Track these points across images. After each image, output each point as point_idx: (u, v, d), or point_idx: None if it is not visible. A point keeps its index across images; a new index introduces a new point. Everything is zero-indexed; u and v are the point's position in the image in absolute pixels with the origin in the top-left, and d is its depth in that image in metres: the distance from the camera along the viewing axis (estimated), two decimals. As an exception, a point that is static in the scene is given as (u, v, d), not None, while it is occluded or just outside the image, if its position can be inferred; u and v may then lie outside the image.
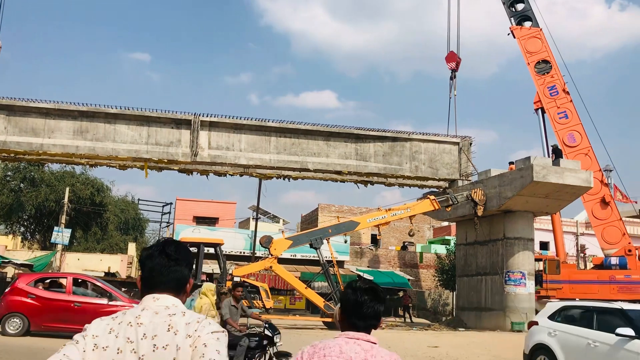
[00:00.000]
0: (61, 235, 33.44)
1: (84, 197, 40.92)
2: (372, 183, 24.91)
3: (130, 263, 41.44)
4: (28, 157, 23.13)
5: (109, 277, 26.83)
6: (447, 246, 36.45)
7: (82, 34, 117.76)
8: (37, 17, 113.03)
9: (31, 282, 14.02)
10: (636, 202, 33.73)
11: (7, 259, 31.42)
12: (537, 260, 24.67)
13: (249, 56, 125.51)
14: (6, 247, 39.07)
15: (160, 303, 2.09)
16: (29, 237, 45.98)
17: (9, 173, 41.32)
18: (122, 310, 2.12)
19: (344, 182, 24.68)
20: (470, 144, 25.55)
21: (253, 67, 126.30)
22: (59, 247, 33.65)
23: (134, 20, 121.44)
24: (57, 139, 21.92)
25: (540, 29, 27.50)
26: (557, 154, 23.96)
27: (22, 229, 45.87)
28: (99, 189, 43.40)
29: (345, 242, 34.47)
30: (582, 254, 37.12)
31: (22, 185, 41.71)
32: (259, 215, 35.70)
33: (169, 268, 2.15)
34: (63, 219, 34.63)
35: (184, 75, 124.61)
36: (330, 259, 21.34)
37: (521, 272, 22.36)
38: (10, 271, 31.43)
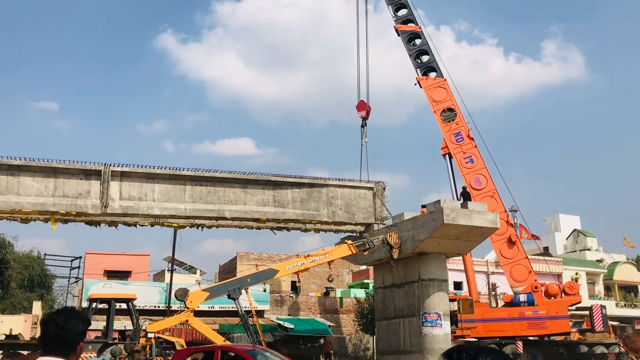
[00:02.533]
0: (-44, 296, 30.86)
1: (-17, 255, 38.19)
2: (289, 229, 24.95)
3: (35, 323, 38.72)
4: None
5: (11, 339, 24.89)
6: (367, 290, 36.82)
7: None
8: None
9: None
10: (539, 239, 35.70)
11: None
12: (451, 300, 25.38)
13: (164, 104, 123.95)
14: None
15: None
16: None
17: None
18: None
19: (260, 229, 24.56)
20: (384, 188, 26.24)
21: (168, 115, 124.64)
22: (-47, 310, 30.99)
23: (40, 68, 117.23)
24: (-47, 193, 20.51)
25: (445, 79, 29.12)
26: (465, 196, 25.10)
27: None
28: (0, 245, 40.71)
29: (265, 290, 34.04)
30: (493, 293, 38.58)
31: None
32: (175, 267, 34.64)
33: (59, 335, 2.65)
34: (-42, 279, 32.06)
35: (95, 124, 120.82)
36: (249, 309, 20.95)
37: (437, 313, 22.86)
38: None
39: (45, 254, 49.71)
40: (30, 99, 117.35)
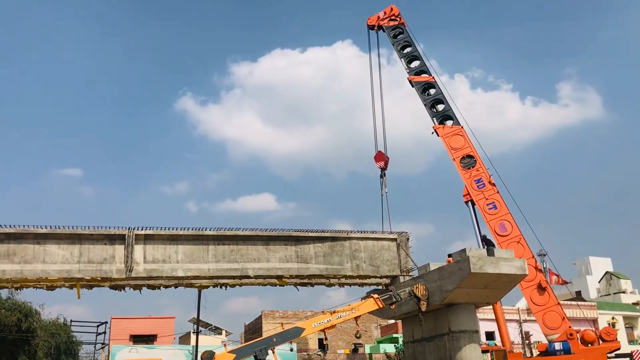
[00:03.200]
0: (-17, 368, 30.75)
1: (10, 324, 38.24)
2: (312, 285, 24.66)
3: (62, 393, 38.33)
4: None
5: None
6: (396, 344, 35.95)
7: (9, 153, 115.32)
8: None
9: None
10: (570, 283, 34.78)
11: None
12: (484, 351, 24.59)
13: (186, 165, 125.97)
14: None
15: None
16: (-53, 373, 42.00)
17: None
18: None
19: (283, 285, 24.32)
20: (408, 239, 25.94)
21: (190, 176, 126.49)
22: (-19, 382, 30.84)
23: (64, 135, 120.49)
24: (-19, 264, 20.74)
25: (462, 127, 29.21)
26: (487, 243, 24.70)
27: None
28: (27, 314, 40.77)
29: (292, 350, 33.44)
30: (527, 341, 37.38)
31: (-60, 316, 38.68)
32: (200, 328, 34.29)
33: None
34: (-14, 350, 32.04)
35: (119, 189, 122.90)
36: (276, 369, 20.48)
37: (470, 366, 22.12)
38: None
39: (71, 321, 49.74)
40: (55, 166, 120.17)
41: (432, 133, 29.81)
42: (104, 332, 42.40)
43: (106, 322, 41.45)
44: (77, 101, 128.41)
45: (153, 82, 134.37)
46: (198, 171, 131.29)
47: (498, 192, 27.37)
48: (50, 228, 21.72)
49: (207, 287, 23.64)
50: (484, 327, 35.05)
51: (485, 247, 24.39)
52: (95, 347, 44.82)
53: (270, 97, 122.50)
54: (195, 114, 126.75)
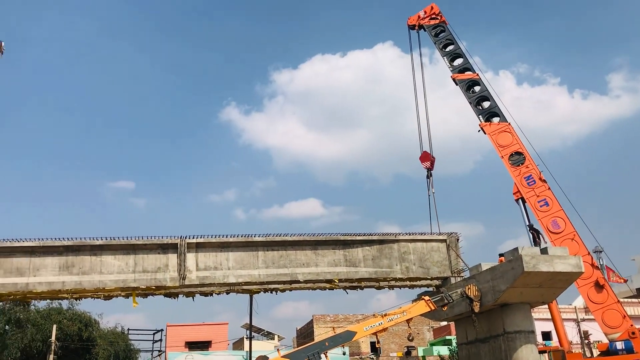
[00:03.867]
0: (48, 376, 31.98)
1: (72, 334, 39.66)
2: (362, 288, 24.63)
3: (122, 399, 39.43)
4: (12, 298, 22.67)
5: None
6: (449, 346, 35.48)
7: (66, 166, 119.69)
8: (21, 151, 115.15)
9: None
10: (630, 280, 33.55)
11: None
12: (541, 352, 23.98)
13: (233, 174, 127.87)
14: (-10, 395, 37.15)
15: None
16: (15, 381, 43.85)
17: (-6, 315, 40.20)
18: None
19: (332, 289, 24.36)
20: (458, 239, 25.63)
21: (237, 184, 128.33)
22: (47, 389, 32.08)
23: (118, 149, 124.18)
24: (43, 276, 21.61)
25: (509, 123, 28.63)
26: (536, 233, 24.36)
27: (8, 373, 43.86)
28: (87, 324, 42.19)
29: (344, 353, 33.45)
30: (586, 341, 36.26)
31: (7, 327, 40.42)
32: (253, 334, 34.70)
33: None
34: (51, 358, 33.30)
35: (169, 199, 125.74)
36: (330, 373, 20.55)
37: (527, 367, 21.62)
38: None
39: (128, 329, 51.17)
40: (108, 179, 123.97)
41: (479, 131, 29.33)
42: (160, 340, 43.46)
43: (162, 330, 42.50)
44: (127, 115, 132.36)
45: (198, 94, 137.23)
46: (244, 179, 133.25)
47: (549, 188, 26.68)
48: (106, 239, 22.46)
49: (258, 292, 23.93)
50: (540, 327, 34.15)
51: (534, 236, 24.01)
52: (152, 354, 45.98)
53: (312, 103, 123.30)
54: (240, 123, 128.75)
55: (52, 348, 33.41)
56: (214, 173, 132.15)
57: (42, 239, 22.04)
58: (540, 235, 25.43)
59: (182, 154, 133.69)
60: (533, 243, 25.69)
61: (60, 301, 39.26)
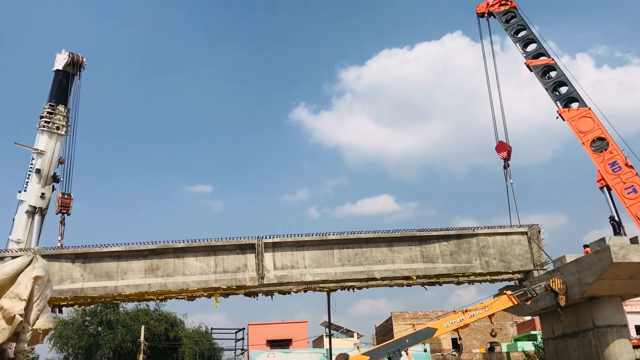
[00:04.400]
0: (140, 375, 33.47)
1: (159, 334, 41.34)
2: (440, 284, 24.21)
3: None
4: (103, 300, 23.87)
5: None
6: (535, 342, 34.29)
7: (146, 173, 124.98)
8: (104, 161, 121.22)
9: None
10: None
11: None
12: (635, 347, 22.77)
13: (305, 173, 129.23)
14: (88, 393, 39.36)
15: None
16: (110, 380, 46.24)
17: (87, 318, 42.54)
18: None
19: (410, 285, 24.09)
20: (539, 231, 24.74)
21: (309, 183, 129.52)
22: (139, 387, 33.59)
23: (195, 155, 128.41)
24: (130, 279, 22.64)
25: (589, 108, 27.29)
26: (617, 224, 23.15)
27: (103, 372, 46.29)
28: (173, 324, 43.85)
29: (425, 350, 33.04)
30: (685, 335, 34.08)
31: (99, 328, 42.69)
32: (332, 332, 34.91)
33: None
34: (140, 358, 34.84)
35: (244, 201, 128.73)
36: (411, 370, 20.33)
37: (621, 363, 20.57)
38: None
39: (212, 328, 52.75)
40: (187, 184, 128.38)
41: (557, 118, 28.13)
42: (242, 338, 44.54)
43: (243, 329, 43.53)
44: (200, 120, 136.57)
45: (268, 96, 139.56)
46: (316, 178, 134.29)
47: (637, 174, 25.23)
48: (188, 242, 23.26)
49: (335, 290, 24.03)
50: (633, 320, 32.41)
51: (615, 228, 22.83)
52: (235, 352, 47.23)
53: (381, 99, 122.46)
54: (310, 122, 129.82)
55: (142, 348, 34.96)
56: (286, 173, 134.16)
57: (128, 244, 23.11)
58: (622, 227, 24.08)
59: (254, 156, 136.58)
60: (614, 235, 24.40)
61: (147, 303, 41.09)
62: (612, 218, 24.54)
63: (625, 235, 23.39)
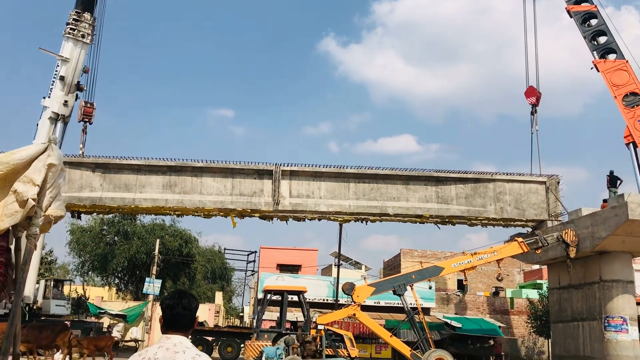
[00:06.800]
0: (152, 286, 34.73)
1: (173, 249, 42.51)
2: (453, 224, 24.36)
3: (218, 312, 42.26)
4: (121, 211, 24.45)
5: (198, 327, 27.41)
6: (540, 291, 34.72)
7: (172, 91, 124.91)
8: (130, 75, 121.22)
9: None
10: None
11: (103, 309, 33.03)
12: (639, 304, 22.96)
13: (328, 106, 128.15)
14: (102, 298, 41.08)
15: (171, 341, 2.89)
16: (123, 288, 48.13)
17: (105, 227, 43.78)
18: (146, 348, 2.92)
19: (423, 223, 24.28)
20: (558, 182, 24.55)
21: (332, 117, 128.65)
22: (151, 297, 34.93)
23: (220, 79, 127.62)
24: (148, 193, 23.08)
25: (627, 61, 26.37)
26: (613, 180, 22.97)
27: (117, 280, 48.12)
28: (187, 240, 44.99)
29: (430, 288, 33.63)
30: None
31: (116, 238, 43.98)
32: (341, 262, 35.61)
33: (184, 316, 2.94)
34: (154, 270, 36.02)
35: (265, 129, 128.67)
36: (415, 305, 20.85)
37: (622, 318, 20.86)
38: (106, 321, 32.96)
39: (225, 249, 54.16)
40: (210, 106, 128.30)
41: (592, 69, 27.23)
42: (254, 261, 45.70)
43: (255, 252, 44.59)
44: (228, 48, 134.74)
45: (298, 25, 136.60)
46: (340, 112, 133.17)
47: (666, 133, 24.64)
48: (206, 162, 23.51)
49: (348, 221, 24.33)
50: (640, 279, 32.52)
51: (609, 182, 22.84)
52: (245, 273, 48.64)
53: (412, 36, 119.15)
54: (338, 54, 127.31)
55: (155, 260, 36.04)
56: (310, 105, 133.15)
57: (148, 159, 23.42)
58: (619, 181, 23.85)
59: (279, 85, 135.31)
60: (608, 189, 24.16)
61: (163, 218, 42.06)
62: (611, 172, 24.26)
63: (617, 190, 23.28)
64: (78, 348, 20.56)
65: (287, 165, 23.62)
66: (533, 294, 35.82)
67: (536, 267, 38.02)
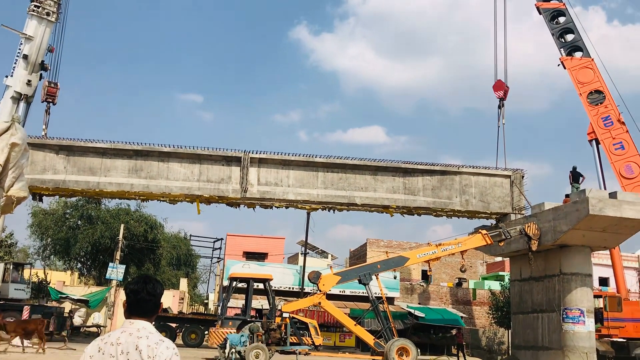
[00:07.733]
0: (116, 271, 34.26)
1: (138, 234, 41.92)
2: (419, 214, 24.64)
3: (182, 299, 41.89)
4: (85, 194, 23.97)
5: (162, 313, 27.16)
6: (502, 282, 35.42)
7: (139, 75, 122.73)
8: (96, 57, 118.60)
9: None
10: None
11: (64, 294, 32.45)
12: (596, 297, 23.66)
13: (299, 95, 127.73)
14: (64, 282, 40.30)
15: (134, 326, 2.84)
16: (85, 273, 47.32)
17: (68, 210, 42.90)
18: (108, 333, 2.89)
19: (389, 214, 24.48)
20: (523, 176, 24.99)
21: (302, 106, 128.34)
22: (114, 282, 34.45)
23: (189, 63, 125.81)
24: (113, 177, 22.68)
25: (592, 59, 26.95)
26: (575, 176, 23.65)
27: (79, 265, 47.28)
28: (152, 226, 44.41)
29: (395, 278, 33.98)
30: (645, 291, 35.43)
31: (79, 222, 43.15)
32: (308, 251, 35.69)
33: (149, 301, 2.89)
34: (118, 255, 35.50)
35: (235, 115, 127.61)
36: (379, 295, 21.04)
37: (579, 310, 21.45)
38: (67, 306, 32.41)
39: (190, 235, 53.69)
40: (178, 91, 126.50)
41: (559, 65, 27.76)
42: (220, 248, 45.47)
43: (222, 239, 44.37)
44: (198, 30, 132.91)
45: (270, 13, 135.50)
46: (310, 101, 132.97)
47: (627, 131, 25.29)
48: (173, 147, 23.19)
49: (316, 209, 24.38)
50: (598, 272, 33.50)
51: (572, 178, 23.51)
52: (211, 260, 48.39)
53: (384, 27, 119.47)
54: (309, 43, 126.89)
55: (120, 245, 35.50)
56: (280, 92, 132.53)
57: (113, 142, 22.99)
58: (581, 178, 24.50)
59: (249, 71, 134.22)
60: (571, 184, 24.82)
61: (128, 203, 41.42)
62: (574, 168, 24.86)
63: (579, 185, 23.93)
64: (3, 331, 18.85)
65: (256, 153, 23.49)
66: (495, 286, 36.53)
67: (499, 259, 38.80)
